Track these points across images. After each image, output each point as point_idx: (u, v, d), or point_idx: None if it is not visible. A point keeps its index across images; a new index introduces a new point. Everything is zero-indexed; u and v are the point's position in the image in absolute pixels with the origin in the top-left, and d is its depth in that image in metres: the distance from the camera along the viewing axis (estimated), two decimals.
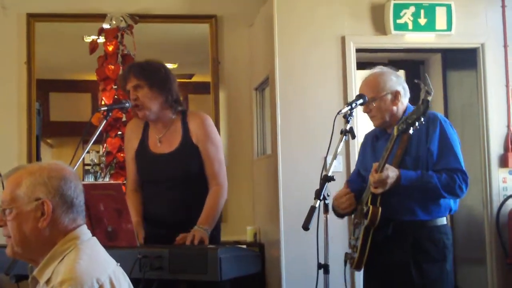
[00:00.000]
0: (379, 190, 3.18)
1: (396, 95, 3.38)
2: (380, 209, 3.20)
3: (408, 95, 3.46)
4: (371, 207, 3.21)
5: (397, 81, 3.44)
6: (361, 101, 3.35)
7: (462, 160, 3.27)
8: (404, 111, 3.39)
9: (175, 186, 3.57)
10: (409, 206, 3.27)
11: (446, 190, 3.19)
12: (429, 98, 3.06)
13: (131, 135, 3.76)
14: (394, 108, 3.38)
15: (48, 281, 2.04)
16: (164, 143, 3.62)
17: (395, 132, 3.18)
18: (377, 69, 3.53)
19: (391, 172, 3.16)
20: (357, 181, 3.56)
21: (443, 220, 3.34)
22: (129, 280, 2.22)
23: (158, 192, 3.62)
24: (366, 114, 3.48)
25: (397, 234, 3.27)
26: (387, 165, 3.17)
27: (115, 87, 5.41)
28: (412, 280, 3.22)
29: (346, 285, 3.40)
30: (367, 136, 3.66)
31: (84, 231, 2.17)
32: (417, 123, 3.06)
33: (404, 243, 3.26)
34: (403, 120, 3.14)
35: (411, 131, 3.10)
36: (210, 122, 3.68)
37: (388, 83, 3.40)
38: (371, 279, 3.44)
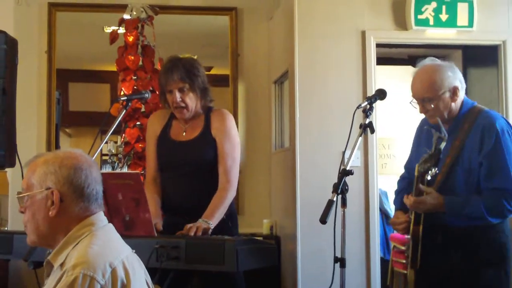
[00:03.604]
0: (416, 211, 3.15)
1: (454, 91, 3.22)
2: (420, 227, 3.13)
3: (464, 86, 3.28)
4: (411, 227, 3.17)
5: (454, 76, 3.25)
6: (380, 95, 3.32)
7: None
8: (462, 105, 3.24)
9: (190, 172, 3.62)
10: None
11: (493, 215, 3.08)
12: (442, 146, 2.96)
13: (153, 126, 3.84)
14: (453, 104, 3.23)
15: (62, 265, 2.07)
16: (186, 133, 3.72)
17: (416, 172, 3.08)
18: (428, 61, 3.34)
19: (431, 199, 3.10)
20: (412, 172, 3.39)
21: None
22: (145, 268, 2.23)
23: (174, 178, 3.68)
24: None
25: (449, 240, 3.17)
26: (430, 190, 3.10)
27: (135, 77, 5.43)
28: (465, 286, 3.13)
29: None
30: (424, 122, 3.48)
31: (101, 218, 2.19)
32: (432, 171, 2.98)
33: (455, 249, 3.15)
34: (422, 162, 3.03)
35: (428, 177, 3.03)
36: (232, 120, 3.75)
37: (445, 80, 3.21)
38: (424, 281, 3.26)
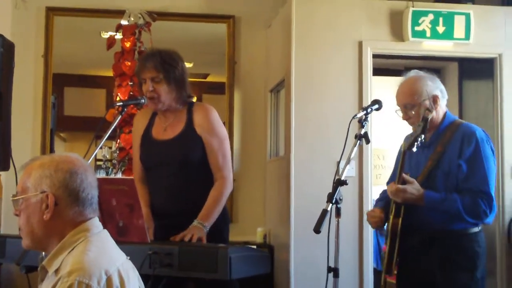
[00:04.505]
0: (396, 200, 3.24)
1: (434, 99, 3.35)
2: (400, 220, 3.23)
3: (446, 97, 3.42)
4: (391, 218, 3.26)
5: (434, 85, 3.40)
6: (376, 106, 3.34)
7: (492, 182, 3.23)
8: (444, 115, 3.39)
9: (174, 173, 3.55)
10: (438, 217, 3.24)
11: (469, 215, 3.18)
12: (429, 116, 3.12)
13: (138, 124, 3.79)
14: (434, 112, 3.34)
15: (57, 271, 2.06)
16: (168, 130, 3.64)
17: (402, 148, 3.24)
18: (412, 73, 3.49)
19: (413, 189, 3.20)
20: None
21: (475, 228, 3.28)
22: (138, 275, 2.23)
23: (157, 180, 3.61)
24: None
25: (425, 243, 3.27)
26: (412, 180, 3.21)
27: (131, 83, 5.43)
28: None
29: None
30: (407, 140, 3.58)
31: (96, 224, 2.18)
32: (418, 141, 3.10)
33: (431, 252, 3.26)
34: (408, 137, 3.21)
35: (414, 149, 3.13)
36: (215, 114, 3.66)
37: (425, 88, 3.36)
38: (403, 285, 3.44)
